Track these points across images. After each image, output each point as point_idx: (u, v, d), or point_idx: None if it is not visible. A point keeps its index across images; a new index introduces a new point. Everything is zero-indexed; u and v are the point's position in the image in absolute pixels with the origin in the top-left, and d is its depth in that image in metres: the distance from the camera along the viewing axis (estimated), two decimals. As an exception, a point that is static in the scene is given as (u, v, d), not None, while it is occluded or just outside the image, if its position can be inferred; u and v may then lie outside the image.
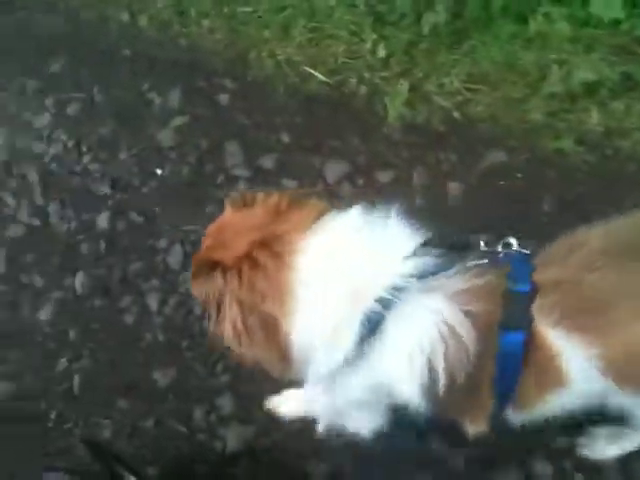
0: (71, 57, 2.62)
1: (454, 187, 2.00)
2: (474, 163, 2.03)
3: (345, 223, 1.12)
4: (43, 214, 2.25)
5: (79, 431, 1.83)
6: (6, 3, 2.86)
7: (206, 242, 1.18)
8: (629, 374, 1.07)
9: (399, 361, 1.09)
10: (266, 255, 1.08)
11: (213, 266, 1.11)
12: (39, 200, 2.30)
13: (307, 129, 2.24)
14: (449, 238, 1.15)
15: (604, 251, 1.07)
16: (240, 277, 1.08)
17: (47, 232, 2.20)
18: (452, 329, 1.05)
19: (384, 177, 2.07)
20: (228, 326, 1.10)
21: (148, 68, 2.50)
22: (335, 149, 2.17)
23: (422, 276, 1.07)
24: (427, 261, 1.09)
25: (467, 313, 1.06)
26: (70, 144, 2.39)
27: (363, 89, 2.24)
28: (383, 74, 2.23)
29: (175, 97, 2.39)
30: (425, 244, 1.12)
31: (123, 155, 2.31)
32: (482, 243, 1.18)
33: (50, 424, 1.87)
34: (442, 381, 1.07)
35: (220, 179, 2.19)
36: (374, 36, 2.29)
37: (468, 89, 2.14)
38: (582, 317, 1.04)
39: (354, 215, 1.14)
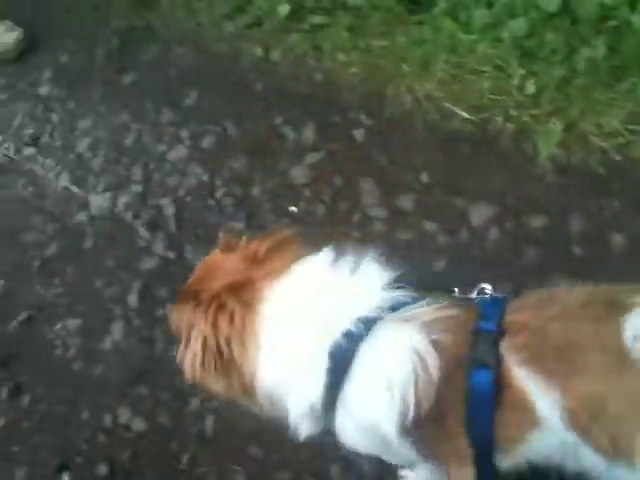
0: (205, 90, 2.65)
1: (617, 237, 1.83)
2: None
3: (315, 266, 1.16)
4: (178, 247, 2.26)
5: (212, 477, 1.79)
6: (144, 35, 2.95)
7: (193, 276, 1.25)
8: (586, 427, 1.01)
9: (373, 396, 1.08)
10: (234, 300, 1.14)
11: (190, 297, 1.18)
12: (174, 233, 2.32)
13: (448, 168, 2.13)
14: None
15: (580, 306, 1.05)
16: (206, 316, 1.14)
17: (182, 265, 2.20)
18: (422, 359, 1.05)
19: (536, 222, 1.93)
20: (189, 357, 1.16)
21: (281, 102, 2.48)
22: (480, 190, 2.05)
23: (393, 308, 1.09)
24: (398, 294, 1.11)
25: (435, 343, 1.06)
26: (204, 177, 2.40)
27: (510, 127, 2.12)
28: (532, 112, 2.10)
29: (309, 132, 2.36)
30: (399, 282, 1.14)
31: (256, 191, 2.29)
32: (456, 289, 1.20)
33: (182, 466, 1.85)
34: (412, 415, 1.06)
35: (355, 218, 2.12)
36: (522, 72, 2.16)
37: (630, 130, 1.98)
38: (547, 362, 1.03)
39: (323, 257, 1.17)
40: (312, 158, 2.30)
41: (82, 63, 3.00)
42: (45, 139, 2.78)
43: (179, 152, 2.51)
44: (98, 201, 2.47)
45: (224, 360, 1.13)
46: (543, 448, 1.09)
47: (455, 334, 1.07)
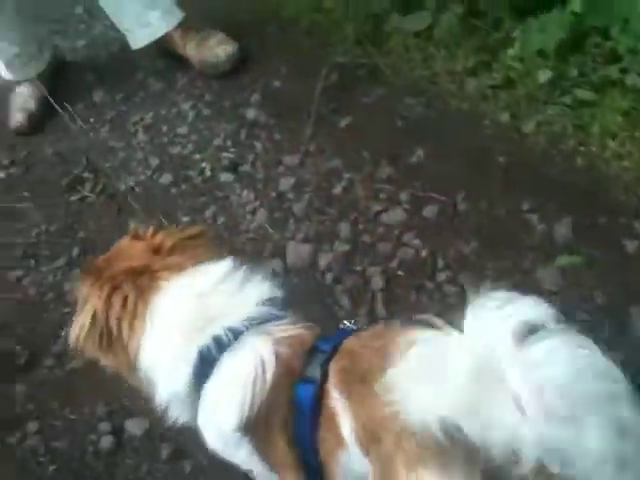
0: (435, 150, 2.33)
1: None
2: None
3: (210, 270, 1.28)
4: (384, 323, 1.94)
5: None
6: (369, 75, 2.69)
7: (103, 256, 1.36)
8: (368, 453, 1.06)
9: (225, 393, 1.20)
10: (130, 284, 1.26)
11: (93, 273, 1.31)
12: (379, 308, 2.00)
13: None
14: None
15: (385, 339, 1.11)
16: (101, 293, 1.26)
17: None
18: (263, 366, 1.17)
19: None
20: (76, 327, 1.28)
21: (530, 184, 2.11)
22: None
23: (259, 322, 1.22)
24: (267, 310, 1.24)
25: (277, 354, 1.19)
26: (423, 253, 2.08)
27: None
28: None
29: (564, 228, 1.97)
30: (273, 299, 1.27)
31: (489, 284, 1.94)
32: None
33: None
34: (246, 416, 1.16)
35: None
36: None
37: None
38: (352, 385, 1.10)
39: (221, 265, 1.29)
40: (565, 260, 1.91)
41: (295, 93, 2.76)
42: (245, 167, 2.55)
43: (396, 215, 2.20)
44: (296, 251, 2.20)
45: (112, 337, 1.26)
46: (350, 472, 1.12)
47: (295, 349, 1.20)
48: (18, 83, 2.95)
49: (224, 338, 1.20)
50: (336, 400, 1.11)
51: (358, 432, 1.07)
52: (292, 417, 1.15)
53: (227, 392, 1.20)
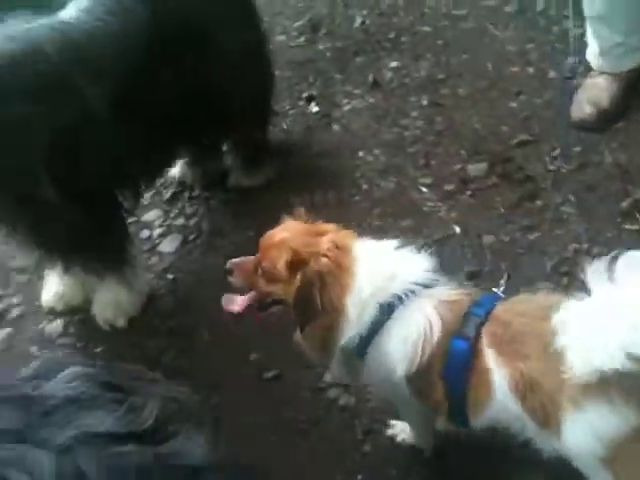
0: None
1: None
2: None
3: (384, 246, 1.57)
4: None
5: None
6: None
7: (292, 242, 1.53)
8: (524, 397, 1.34)
9: (396, 343, 1.45)
10: (338, 255, 1.50)
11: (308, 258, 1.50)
12: None
13: None
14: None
15: (535, 307, 1.41)
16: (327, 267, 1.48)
17: None
18: (430, 326, 1.42)
19: None
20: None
21: None
22: None
23: (426, 286, 1.47)
24: (431, 277, 1.50)
25: (441, 315, 1.43)
26: None
27: None
28: None
29: None
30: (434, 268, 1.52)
31: None
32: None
33: None
34: (416, 365, 1.43)
35: None
36: None
37: None
38: (505, 345, 1.37)
39: (389, 243, 1.57)
40: None
41: None
42: None
43: None
44: None
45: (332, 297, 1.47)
46: (496, 414, 1.41)
47: (454, 313, 1.44)
48: (599, 74, 2.69)
49: (400, 297, 1.46)
50: (488, 357, 1.38)
51: (512, 382, 1.34)
52: (446, 365, 1.42)
53: (399, 347, 1.46)
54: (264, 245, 1.58)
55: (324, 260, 1.48)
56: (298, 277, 1.49)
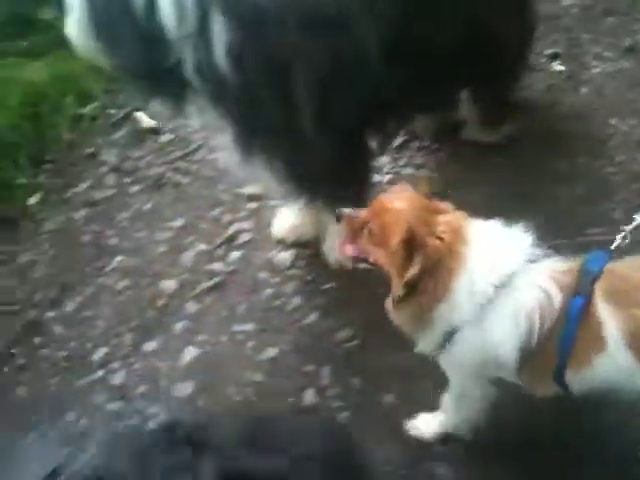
0: None
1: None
2: None
3: (491, 225, 1.52)
4: None
5: None
6: None
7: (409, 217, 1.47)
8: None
9: (506, 321, 1.43)
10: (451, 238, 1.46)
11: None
12: None
13: None
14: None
15: None
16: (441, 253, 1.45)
17: None
18: (548, 296, 1.41)
19: None
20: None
21: None
22: None
23: (536, 260, 1.47)
24: (540, 251, 1.48)
25: (559, 286, 1.42)
26: None
27: None
28: None
29: None
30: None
31: None
32: None
33: None
34: (534, 339, 1.41)
35: None
36: None
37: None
38: (621, 298, 1.37)
39: (495, 223, 1.52)
40: None
41: None
42: None
43: None
44: None
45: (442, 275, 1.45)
46: (605, 373, 1.40)
47: (569, 275, 1.43)
48: None
49: (513, 273, 1.45)
50: (602, 310, 1.39)
51: (627, 335, 1.36)
52: (562, 326, 1.40)
53: (515, 323, 1.44)
54: (378, 208, 1.55)
55: (439, 244, 1.45)
56: (407, 255, 1.46)
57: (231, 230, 2.56)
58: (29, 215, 3.04)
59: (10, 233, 2.95)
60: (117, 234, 2.77)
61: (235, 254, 2.47)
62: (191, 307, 2.33)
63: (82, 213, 2.94)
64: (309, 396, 1.95)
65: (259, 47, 1.81)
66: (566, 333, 1.40)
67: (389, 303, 1.54)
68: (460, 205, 2.26)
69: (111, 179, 3.08)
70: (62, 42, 2.02)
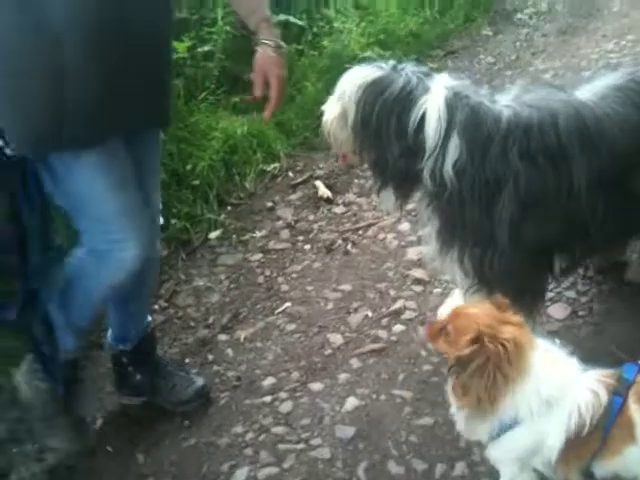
0: None
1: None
2: None
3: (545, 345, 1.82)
4: None
5: None
6: None
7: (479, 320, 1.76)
8: None
9: (561, 418, 1.72)
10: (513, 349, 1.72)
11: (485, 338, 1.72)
12: None
13: None
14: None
15: None
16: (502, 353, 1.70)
17: None
18: (597, 395, 1.72)
19: None
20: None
21: None
22: None
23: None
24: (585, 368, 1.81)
25: (606, 386, 1.74)
26: None
27: None
28: None
29: None
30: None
31: None
32: None
33: None
34: (584, 433, 1.70)
35: None
36: None
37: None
38: None
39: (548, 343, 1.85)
40: None
41: None
42: None
43: None
44: None
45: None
46: (631, 462, 1.72)
47: (613, 378, 1.75)
48: None
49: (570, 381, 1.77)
50: (634, 409, 1.69)
51: None
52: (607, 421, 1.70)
53: (571, 418, 1.72)
54: (455, 313, 1.86)
55: (497, 347, 1.70)
56: (469, 348, 1.72)
57: (397, 305, 2.92)
58: (209, 247, 3.52)
59: (191, 259, 3.41)
60: (288, 283, 3.18)
61: (399, 327, 2.81)
62: (355, 363, 2.67)
63: (257, 257, 3.39)
64: (460, 467, 2.21)
65: (480, 166, 2.20)
66: (607, 426, 1.70)
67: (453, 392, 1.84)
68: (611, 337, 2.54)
69: (285, 234, 3.54)
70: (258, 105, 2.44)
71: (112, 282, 2.25)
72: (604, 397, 1.72)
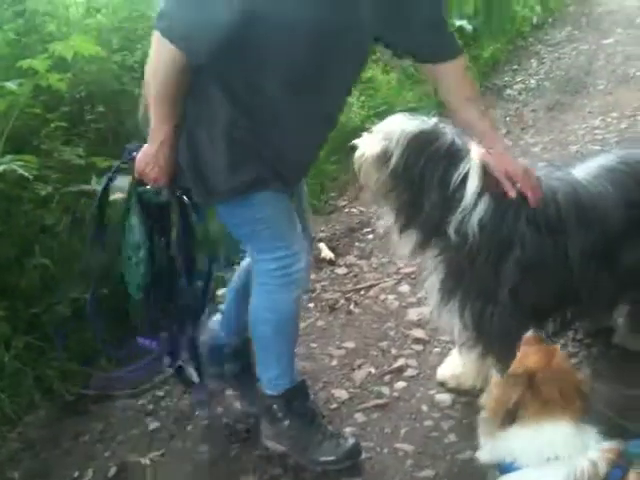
0: None
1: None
2: None
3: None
4: None
5: None
6: None
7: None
8: None
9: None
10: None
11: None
12: None
13: None
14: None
15: None
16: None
17: None
18: (595, 465, 1.84)
19: None
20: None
21: None
22: None
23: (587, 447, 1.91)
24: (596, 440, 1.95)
25: (606, 460, 1.85)
26: None
27: None
28: None
29: None
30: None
31: None
32: None
33: None
34: None
35: None
36: None
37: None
38: None
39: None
40: None
41: None
42: None
43: None
44: None
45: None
46: None
47: (615, 453, 1.87)
48: None
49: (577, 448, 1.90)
50: None
51: None
52: None
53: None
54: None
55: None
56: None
57: (398, 363, 3.10)
58: (215, 303, 3.70)
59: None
60: (293, 340, 3.36)
61: (401, 384, 2.99)
62: (359, 417, 2.83)
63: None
64: (460, 519, 2.36)
65: (499, 226, 2.48)
66: None
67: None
68: (600, 397, 2.71)
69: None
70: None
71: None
72: (602, 469, 1.85)
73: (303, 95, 2.24)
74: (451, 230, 2.45)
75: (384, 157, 2.52)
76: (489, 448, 2.01)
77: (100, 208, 2.47)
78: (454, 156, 2.49)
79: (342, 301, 3.63)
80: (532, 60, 7.87)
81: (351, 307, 3.58)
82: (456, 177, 2.45)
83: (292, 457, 2.62)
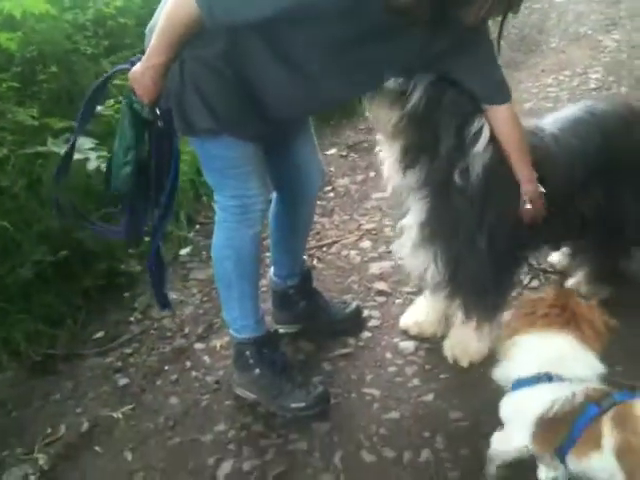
0: None
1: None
2: None
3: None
4: None
5: None
6: None
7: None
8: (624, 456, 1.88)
9: (543, 395, 2.06)
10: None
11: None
12: None
13: None
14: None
15: None
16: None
17: None
18: (573, 395, 2.00)
19: None
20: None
21: None
22: None
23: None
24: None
25: (586, 396, 1.99)
26: None
27: None
28: None
29: None
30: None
31: None
32: None
33: None
34: (549, 416, 2.04)
35: None
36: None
37: None
38: (626, 425, 1.90)
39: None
40: None
41: None
42: None
43: None
44: None
45: None
46: (596, 465, 1.94)
47: (598, 392, 2.01)
48: None
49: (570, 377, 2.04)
50: (607, 426, 1.89)
51: (617, 444, 1.86)
52: (576, 419, 1.96)
53: (544, 397, 2.02)
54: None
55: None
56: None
57: (363, 314, 3.23)
58: (180, 263, 3.77)
59: (163, 274, 3.64)
60: (259, 297, 3.45)
61: (365, 334, 3.11)
62: (326, 366, 2.95)
63: (227, 272, 3.65)
64: (425, 454, 2.50)
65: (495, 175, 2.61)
66: (576, 426, 1.95)
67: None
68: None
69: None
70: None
71: None
72: (578, 399, 1.97)
73: (324, 80, 2.33)
74: (457, 174, 2.54)
75: (401, 98, 2.52)
76: (502, 366, 2.18)
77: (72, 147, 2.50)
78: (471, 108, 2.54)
79: (305, 257, 3.73)
80: (486, 19, 7.98)
81: (314, 262, 3.68)
82: (475, 127, 2.52)
83: (262, 405, 2.75)
